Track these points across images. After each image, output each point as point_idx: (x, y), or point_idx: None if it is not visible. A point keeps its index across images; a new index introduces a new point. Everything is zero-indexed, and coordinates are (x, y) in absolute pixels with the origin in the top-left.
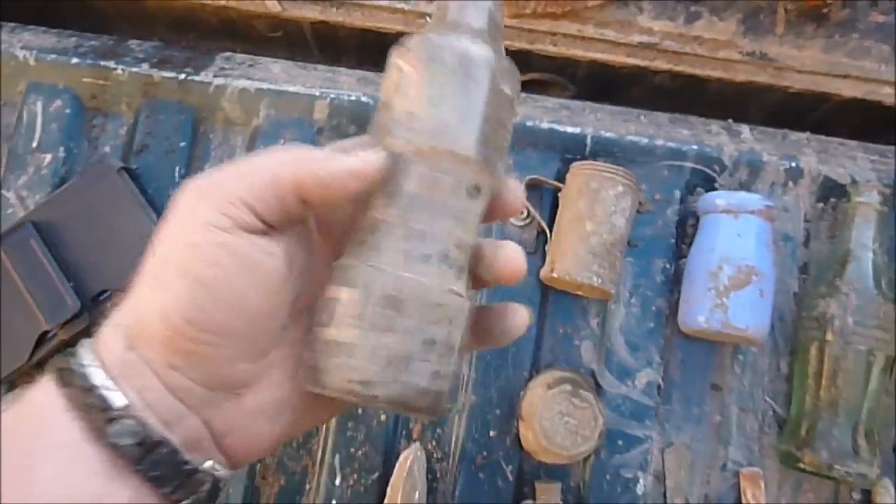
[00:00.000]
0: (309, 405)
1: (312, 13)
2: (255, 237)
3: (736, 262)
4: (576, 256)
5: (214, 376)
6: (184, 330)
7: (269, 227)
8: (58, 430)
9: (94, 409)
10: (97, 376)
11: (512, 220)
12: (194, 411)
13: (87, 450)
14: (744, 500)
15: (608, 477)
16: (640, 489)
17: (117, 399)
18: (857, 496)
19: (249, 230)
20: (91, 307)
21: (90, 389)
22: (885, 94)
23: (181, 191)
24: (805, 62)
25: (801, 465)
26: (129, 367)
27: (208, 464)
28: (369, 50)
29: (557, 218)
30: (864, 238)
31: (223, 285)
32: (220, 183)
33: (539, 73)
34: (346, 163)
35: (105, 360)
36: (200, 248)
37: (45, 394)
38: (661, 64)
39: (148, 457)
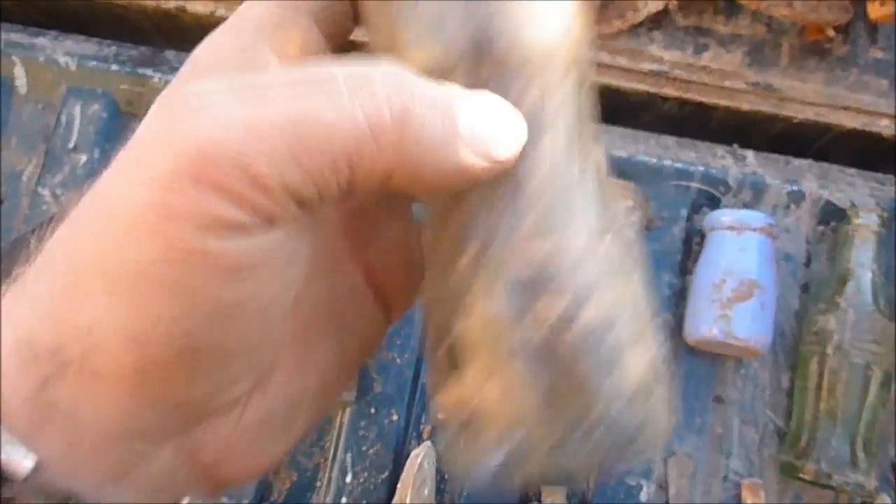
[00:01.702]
0: (330, 386)
1: None
2: (282, 233)
3: (739, 276)
4: None
5: (205, 403)
6: (168, 361)
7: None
8: None
9: None
10: None
11: None
12: (168, 444)
13: None
14: None
15: (612, 484)
16: (643, 497)
17: (22, 461)
18: None
19: (276, 220)
20: None
21: None
22: (883, 126)
23: (157, 144)
24: (807, 94)
25: (801, 475)
26: (50, 409)
27: (185, 502)
28: None
29: None
30: (863, 258)
31: (237, 307)
32: (244, 153)
33: None
34: (471, 155)
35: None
36: (208, 256)
37: None
38: (669, 91)
39: None
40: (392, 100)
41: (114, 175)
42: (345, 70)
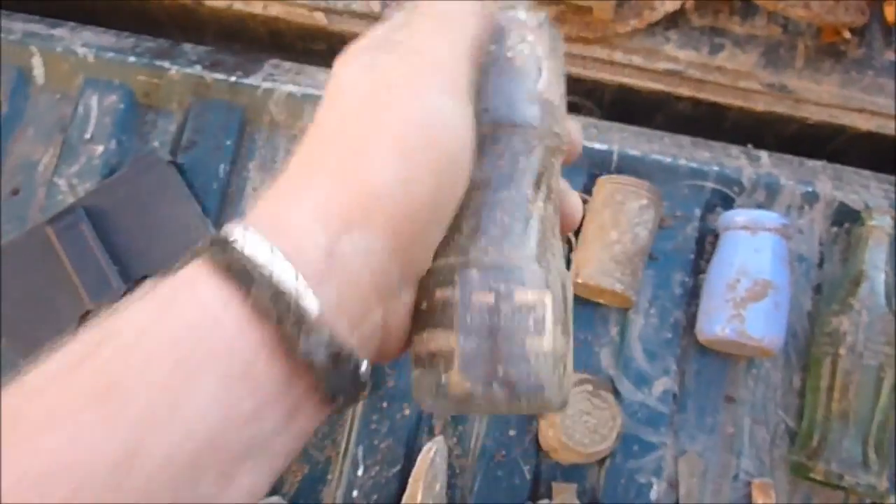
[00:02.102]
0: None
1: (357, 27)
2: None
3: (753, 276)
4: (600, 263)
5: (419, 265)
6: (427, 208)
7: None
8: (226, 341)
9: (284, 319)
10: (288, 275)
11: None
12: (382, 305)
13: (261, 365)
14: None
15: (623, 481)
16: (653, 495)
17: (313, 306)
18: None
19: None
20: (133, 290)
21: (280, 294)
22: None
23: (435, 32)
24: (822, 95)
25: (812, 476)
26: (337, 261)
27: (366, 365)
28: None
29: (583, 228)
30: (877, 260)
31: (468, 162)
32: (458, 62)
33: (569, 95)
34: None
35: (299, 252)
36: (457, 118)
37: (207, 294)
38: (684, 91)
39: (334, 371)
40: None
41: (389, 65)
42: None
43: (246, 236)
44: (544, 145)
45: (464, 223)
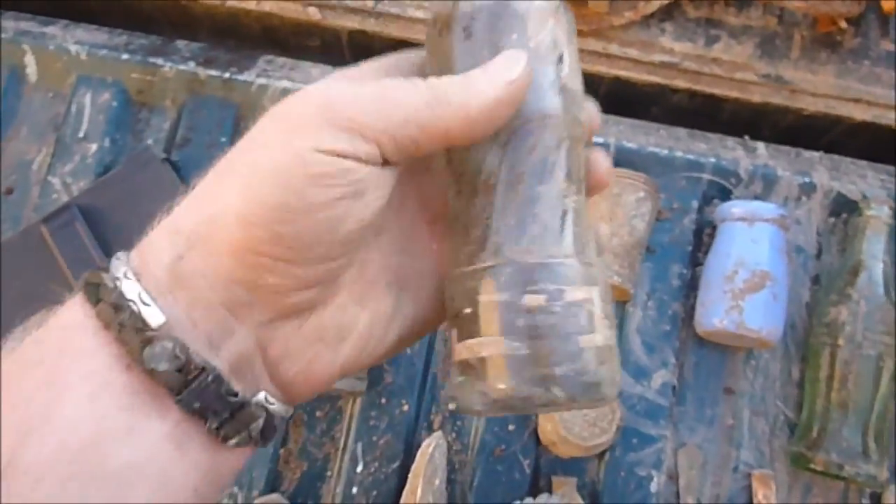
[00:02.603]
0: (379, 332)
1: (351, 22)
2: (372, 167)
3: (751, 267)
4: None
5: (281, 297)
6: (265, 241)
7: (385, 163)
8: (84, 356)
9: (126, 329)
10: (131, 290)
11: None
12: (247, 330)
13: (119, 379)
14: (755, 501)
15: (622, 474)
16: (653, 487)
17: (154, 316)
18: (866, 502)
19: (368, 162)
20: None
21: (121, 306)
22: (893, 119)
23: (302, 96)
24: (818, 86)
25: (812, 466)
26: (179, 278)
27: (260, 396)
28: None
29: None
30: (874, 250)
31: (324, 207)
32: (354, 109)
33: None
34: (493, 89)
35: (147, 270)
36: (311, 163)
37: (71, 314)
38: (680, 83)
39: (189, 385)
40: (435, 86)
41: (266, 117)
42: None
43: (115, 261)
44: (571, 135)
45: (494, 222)
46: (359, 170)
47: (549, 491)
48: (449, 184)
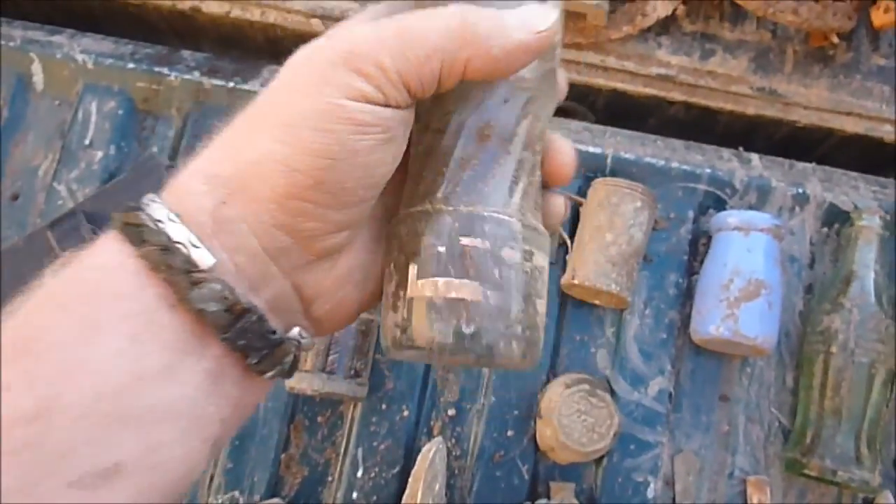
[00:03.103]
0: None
1: None
2: (401, 111)
3: (746, 276)
4: (595, 265)
5: (317, 241)
6: (308, 187)
7: (411, 101)
8: (124, 297)
9: (175, 271)
10: (179, 232)
11: None
12: (286, 275)
13: (163, 318)
14: None
15: (620, 480)
16: (650, 493)
17: (204, 259)
18: None
19: (399, 106)
20: None
21: (170, 248)
22: (885, 132)
23: (327, 44)
24: (811, 99)
25: (807, 472)
26: (222, 224)
27: (294, 331)
28: None
29: (578, 230)
30: (866, 259)
31: (364, 153)
32: (379, 54)
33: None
34: (522, 33)
35: (188, 214)
36: (346, 111)
37: (108, 255)
38: (676, 95)
39: (235, 325)
40: (465, 13)
41: (290, 67)
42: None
43: (150, 203)
44: (541, 106)
45: (449, 172)
46: (392, 115)
47: (548, 496)
48: (415, 129)
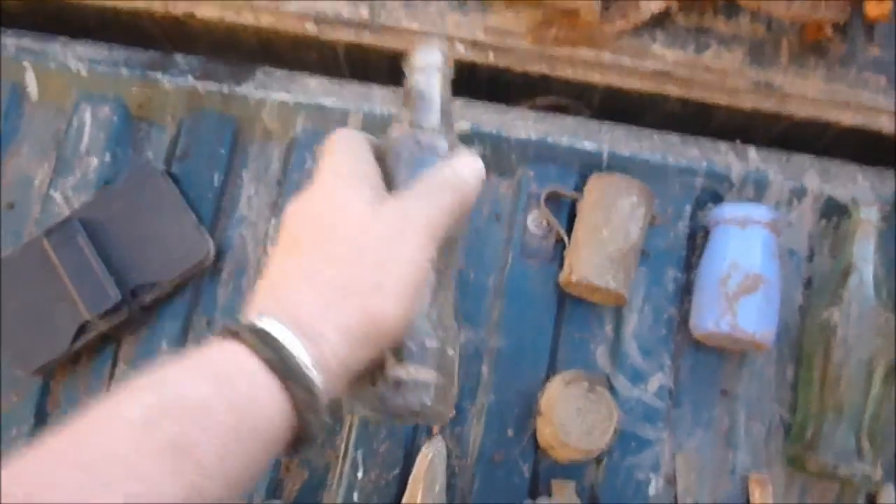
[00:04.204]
0: None
1: (347, 36)
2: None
3: (744, 270)
4: (593, 262)
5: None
6: (399, 338)
7: None
8: (270, 419)
9: (304, 406)
10: (317, 381)
11: (531, 229)
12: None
13: (283, 437)
14: (752, 503)
15: (621, 477)
16: (651, 490)
17: (324, 398)
18: (861, 502)
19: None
20: (130, 299)
21: (310, 390)
22: (882, 123)
23: (411, 217)
24: (808, 91)
25: (808, 468)
26: (348, 369)
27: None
28: (398, 72)
29: (575, 227)
30: (865, 252)
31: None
32: (435, 221)
33: (558, 96)
34: (476, 173)
35: (324, 360)
36: (426, 269)
37: (262, 379)
38: (672, 90)
39: (315, 440)
40: (455, 171)
41: (389, 232)
42: None
43: (286, 337)
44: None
45: None
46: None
47: (549, 494)
48: None
